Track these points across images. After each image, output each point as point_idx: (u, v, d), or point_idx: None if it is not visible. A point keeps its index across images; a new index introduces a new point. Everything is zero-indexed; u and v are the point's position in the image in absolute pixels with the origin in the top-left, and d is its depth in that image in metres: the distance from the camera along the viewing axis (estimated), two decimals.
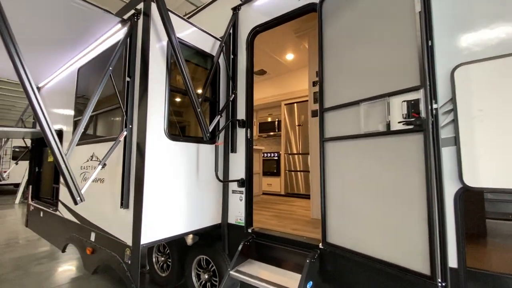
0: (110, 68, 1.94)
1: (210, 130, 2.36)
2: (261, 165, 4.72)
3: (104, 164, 1.92)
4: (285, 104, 5.40)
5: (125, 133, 2.03)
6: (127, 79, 2.11)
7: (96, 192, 2.42)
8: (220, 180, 2.30)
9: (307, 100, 5.03)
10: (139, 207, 1.92)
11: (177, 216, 2.18)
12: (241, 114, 2.61)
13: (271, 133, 5.92)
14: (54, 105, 3.60)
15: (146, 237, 1.93)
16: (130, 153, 2.05)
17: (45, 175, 3.94)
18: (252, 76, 2.66)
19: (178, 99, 2.49)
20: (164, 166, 2.10)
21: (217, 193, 2.61)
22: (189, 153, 2.33)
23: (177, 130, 2.37)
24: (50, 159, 3.77)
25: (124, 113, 2.07)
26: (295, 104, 5.21)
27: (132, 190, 2.00)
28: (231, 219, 2.57)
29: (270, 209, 3.63)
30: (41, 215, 3.60)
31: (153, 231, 1.98)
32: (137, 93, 2.08)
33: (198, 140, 2.43)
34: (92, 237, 2.40)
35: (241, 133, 2.58)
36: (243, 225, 2.47)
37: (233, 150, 2.61)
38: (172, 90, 2.27)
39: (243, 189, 2.51)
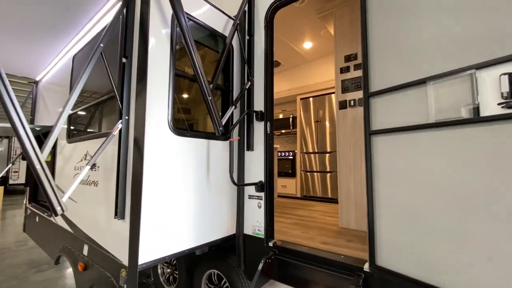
0: (101, 45, 1.56)
1: (223, 123, 1.96)
2: (276, 165, 4.29)
3: (94, 165, 1.55)
4: (301, 99, 4.95)
5: (120, 125, 1.65)
6: (123, 60, 1.73)
7: (89, 197, 2.05)
8: (235, 184, 1.89)
9: (326, 94, 4.59)
10: (136, 218, 1.53)
11: (184, 227, 1.79)
12: (259, 105, 2.19)
13: (285, 131, 5.49)
14: (51, 99, 3.28)
15: (146, 256, 1.54)
16: (126, 151, 1.67)
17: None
18: (272, 60, 2.24)
19: (185, 87, 2.09)
20: (168, 167, 1.71)
21: (231, 199, 2.20)
22: (198, 151, 1.94)
23: (184, 123, 1.98)
24: (48, 158, 3.46)
25: (119, 101, 1.69)
26: (311, 98, 4.76)
27: (129, 197, 1.62)
28: (248, 230, 2.16)
29: (289, 215, 3.21)
30: (37, 219, 3.28)
31: (154, 247, 1.59)
32: (134, 77, 1.69)
33: (208, 135, 2.03)
34: (85, 250, 2.04)
35: (259, 127, 2.17)
36: (263, 237, 2.06)
37: (250, 147, 2.20)
38: (178, 75, 1.88)
39: (262, 194, 2.10)
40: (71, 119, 2.61)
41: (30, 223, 3.56)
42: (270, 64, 2.22)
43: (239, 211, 2.20)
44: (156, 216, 1.61)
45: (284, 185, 5.06)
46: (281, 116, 5.59)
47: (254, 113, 2.18)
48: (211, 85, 1.90)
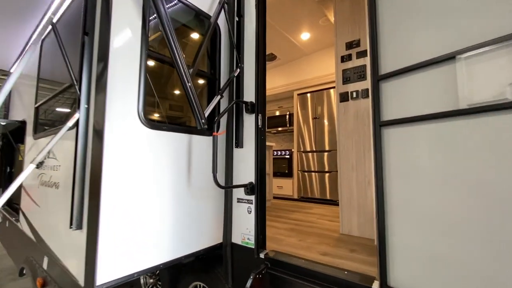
0: (52, 17, 1.28)
1: (207, 115, 1.68)
2: (271, 165, 4.03)
3: (40, 163, 1.26)
4: (299, 95, 4.68)
5: (77, 116, 1.36)
6: (85, 38, 1.44)
7: (50, 200, 1.76)
8: (219, 186, 1.61)
9: (325, 89, 4.32)
10: (94, 228, 1.25)
11: (158, 238, 1.50)
12: (249, 96, 1.91)
13: (282, 129, 5.21)
14: (21, 92, 2.98)
15: (106, 274, 1.25)
16: (84, 146, 1.38)
17: (17, 176, 3.32)
18: (264, 44, 1.96)
19: (164, 72, 1.81)
20: (137, 166, 1.42)
21: (217, 203, 1.92)
22: (177, 148, 1.65)
23: (160, 115, 1.70)
24: (20, 157, 3.15)
25: (76, 87, 1.40)
26: (309, 94, 4.49)
27: (88, 201, 1.33)
28: (236, 238, 1.88)
29: (285, 219, 2.93)
30: (7, 224, 2.97)
31: (119, 263, 1.30)
32: (96, 57, 1.40)
33: (190, 129, 1.75)
34: (45, 263, 1.74)
35: (249, 121, 1.89)
36: (253, 247, 1.78)
37: (239, 144, 1.92)
38: (151, 57, 1.59)
39: (252, 197, 1.82)
40: (38, 113, 2.31)
41: (2, 227, 3.25)
42: (262, 49, 1.95)
43: (227, 217, 1.92)
44: (121, 225, 1.32)
45: (280, 186, 4.78)
46: (277, 113, 5.32)
47: (244, 104, 1.90)
48: (191, 70, 1.61)
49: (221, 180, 1.94)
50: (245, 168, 1.88)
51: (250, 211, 1.82)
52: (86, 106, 1.38)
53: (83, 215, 1.34)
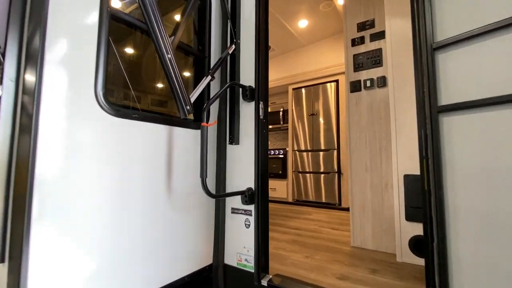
0: None
1: (193, 100, 1.27)
2: None
3: None
4: (294, 89, 4.33)
5: None
6: None
7: None
8: (209, 194, 1.21)
9: (322, 83, 3.99)
10: (20, 259, 0.81)
11: (123, 265, 1.08)
12: (247, 79, 1.52)
13: (275, 126, 4.84)
14: None
15: None
16: (10, 142, 0.93)
17: None
18: (266, 16, 1.58)
19: (133, 41, 1.38)
20: (93, 169, 1.00)
21: (206, 214, 1.51)
22: (153, 144, 1.23)
23: (131, 99, 1.27)
24: None
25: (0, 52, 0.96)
26: (305, 88, 4.15)
27: (10, 222, 0.89)
28: (230, 259, 1.49)
29: (283, 227, 2.56)
30: None
31: None
32: (29, 9, 0.96)
33: (171, 120, 1.33)
34: None
35: (247, 110, 1.50)
36: (252, 270, 1.39)
37: (234, 139, 1.52)
38: (117, 19, 1.17)
39: (251, 207, 1.43)
40: None
41: None
42: (264, 21, 1.56)
43: (218, 232, 1.52)
44: (65, 252, 0.89)
45: (274, 188, 4.41)
46: (269, 109, 4.94)
47: (241, 89, 1.50)
48: (172, 38, 1.20)
49: (211, 186, 1.53)
50: (242, 170, 1.49)
51: (249, 225, 1.43)
52: (12, 80, 0.93)
53: (6, 241, 0.90)
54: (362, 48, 2.05)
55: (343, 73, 3.79)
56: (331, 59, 3.95)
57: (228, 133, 1.56)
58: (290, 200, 4.17)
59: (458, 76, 0.87)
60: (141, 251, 1.16)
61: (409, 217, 1.65)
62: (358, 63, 2.05)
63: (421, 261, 1.61)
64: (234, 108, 1.52)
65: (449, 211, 0.88)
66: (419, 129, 1.01)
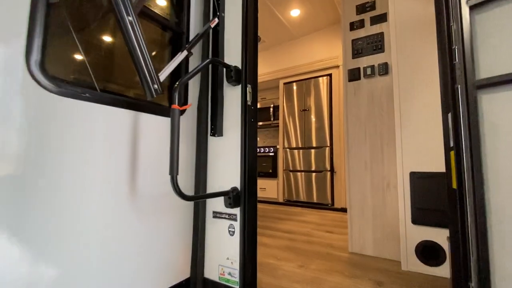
0: None
1: (163, 78, 1.02)
2: None
3: None
4: (285, 84, 4.12)
5: None
6: None
7: None
8: (183, 196, 0.96)
9: (314, 77, 3.80)
10: None
11: (76, 278, 0.82)
12: (232, 58, 1.28)
13: (265, 123, 4.62)
14: None
15: None
16: None
17: None
18: None
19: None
20: (24, 162, 0.73)
21: (182, 219, 1.27)
22: (113, 133, 0.97)
23: (84, 73, 1.00)
24: None
25: None
26: (296, 83, 3.95)
27: None
28: (211, 272, 1.25)
29: (274, 230, 2.34)
30: None
31: None
32: None
33: (137, 104, 1.07)
34: None
35: (232, 95, 1.26)
36: (237, 286, 1.16)
37: (216, 130, 1.28)
38: None
39: (236, 210, 1.19)
40: None
41: None
42: None
43: (197, 240, 1.27)
44: None
45: (263, 188, 4.19)
46: (259, 105, 4.72)
47: (225, 70, 1.26)
48: None
49: (189, 185, 1.29)
50: (226, 167, 1.25)
51: (233, 232, 1.20)
52: None
53: None
54: (361, 33, 1.86)
55: (336, 66, 3.61)
56: (324, 52, 3.77)
57: (210, 122, 1.31)
58: (280, 200, 3.96)
59: (503, 43, 0.67)
60: (97, 267, 0.90)
61: (416, 220, 1.46)
62: (357, 49, 1.85)
63: (429, 270, 1.42)
64: (216, 92, 1.28)
65: (492, 218, 0.67)
66: (445, 112, 0.81)
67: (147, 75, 0.95)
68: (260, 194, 4.22)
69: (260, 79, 4.37)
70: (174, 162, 0.91)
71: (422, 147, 1.46)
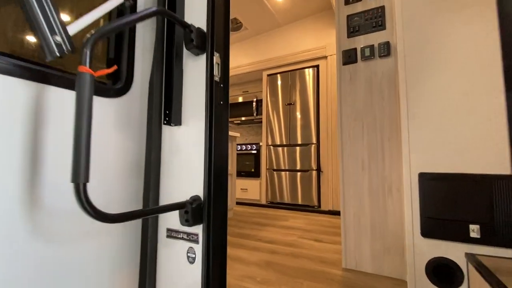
0: None
1: (75, 30, 0.65)
2: (235, 162, 3.08)
3: None
4: (269, 76, 3.80)
5: None
6: None
7: None
8: (98, 216, 0.60)
9: (301, 68, 3.51)
10: None
11: None
12: (195, 16, 0.93)
13: (247, 118, 4.28)
14: None
15: None
16: None
17: None
18: None
19: None
20: None
21: (128, 240, 0.90)
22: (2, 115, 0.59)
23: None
24: None
25: None
26: (280, 75, 3.64)
27: None
28: None
29: (254, 240, 2.01)
30: None
31: None
32: None
33: (39, 72, 0.69)
34: None
35: (195, 69, 0.91)
36: None
37: (171, 117, 0.92)
38: None
39: (198, 228, 0.85)
40: None
41: None
42: None
43: (145, 268, 0.92)
44: None
45: (245, 189, 3.86)
46: (240, 99, 4.36)
47: (184, 32, 0.91)
48: None
49: (134, 194, 0.92)
50: (184, 168, 0.90)
51: (193, 259, 0.85)
52: None
53: None
54: (358, 7, 1.56)
55: (324, 57, 3.34)
56: (311, 42, 3.48)
57: (164, 106, 0.96)
58: (263, 202, 3.64)
59: None
60: None
61: (426, 232, 1.19)
62: (354, 26, 1.56)
63: None
64: (172, 64, 0.93)
65: None
66: (509, 90, 0.51)
67: (42, 20, 0.58)
68: (241, 196, 3.89)
69: (242, 70, 4.02)
70: (80, 163, 0.55)
71: (436, 142, 1.19)
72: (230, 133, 2.80)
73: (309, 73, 3.43)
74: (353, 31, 1.56)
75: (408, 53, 1.26)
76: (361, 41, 1.54)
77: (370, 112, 1.49)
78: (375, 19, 1.50)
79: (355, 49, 1.54)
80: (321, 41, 3.40)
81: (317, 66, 3.43)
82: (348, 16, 1.59)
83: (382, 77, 1.47)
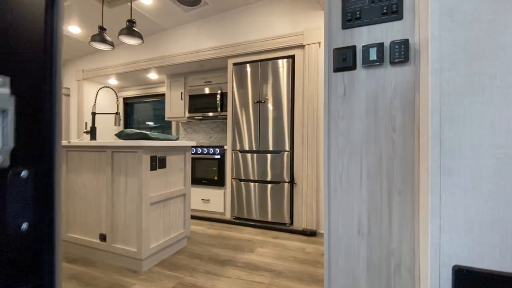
0: None
1: None
2: (192, 168, 2.46)
3: None
4: (235, 65, 3.14)
5: None
6: None
7: None
8: None
9: (271, 59, 2.91)
10: None
11: None
12: None
13: (212, 114, 3.62)
14: None
15: None
16: None
17: None
18: None
19: None
20: None
21: None
22: None
23: None
24: None
25: None
26: (249, 65, 3.01)
27: None
28: None
29: (222, 280, 1.49)
30: None
31: None
32: None
33: None
34: None
35: None
36: None
37: None
38: None
39: None
40: None
41: None
42: None
43: None
44: None
45: (207, 199, 3.29)
46: (207, 90, 3.66)
47: None
48: None
49: None
50: None
51: None
52: None
53: None
54: None
55: (301, 46, 2.76)
56: (286, 26, 2.87)
57: None
58: (228, 217, 3.12)
59: None
60: None
61: None
62: (352, 11, 0.99)
63: None
64: None
65: None
66: None
67: None
68: (202, 207, 3.32)
69: (202, 55, 3.30)
70: None
71: (487, 219, 0.71)
72: (184, 142, 2.17)
73: (283, 65, 2.85)
74: (351, 18, 1.00)
75: (449, 65, 0.74)
76: (363, 36, 0.99)
77: (374, 147, 0.97)
78: (387, 2, 0.95)
79: (354, 47, 0.99)
80: (298, 25, 2.81)
81: (292, 57, 2.86)
82: None
83: (394, 95, 0.95)
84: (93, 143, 1.98)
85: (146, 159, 1.86)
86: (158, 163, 1.97)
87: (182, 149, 2.25)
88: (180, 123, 4.27)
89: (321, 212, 2.71)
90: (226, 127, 3.91)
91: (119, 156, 1.93)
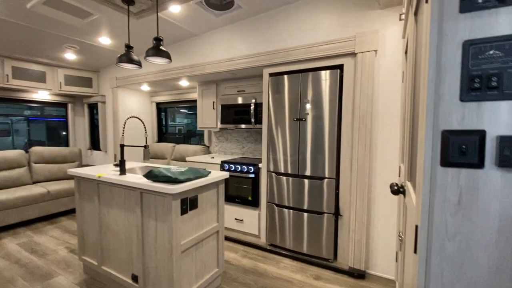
0: None
1: None
2: (225, 185, 2.27)
3: None
4: (271, 75, 2.79)
5: None
6: None
7: None
8: None
9: (317, 69, 2.50)
10: None
11: None
12: None
13: (245, 126, 3.35)
14: None
15: None
16: None
17: None
18: None
19: None
20: None
21: None
22: None
23: None
24: None
25: None
26: (286, 76, 2.63)
27: None
28: None
29: None
30: None
31: None
32: None
33: None
34: None
35: None
36: None
37: None
38: None
39: None
40: None
41: None
42: None
43: None
44: None
45: (240, 219, 3.10)
46: (240, 100, 3.37)
47: None
48: None
49: None
50: None
51: None
52: None
53: None
54: None
55: (352, 54, 2.31)
56: (333, 30, 2.42)
57: None
58: (263, 240, 2.91)
59: None
60: None
61: None
62: (481, 75, 0.61)
63: None
64: None
65: None
66: None
67: None
68: (235, 226, 3.16)
69: (235, 64, 2.99)
70: None
71: None
72: (218, 174, 1.94)
73: (325, 77, 2.42)
74: (479, 86, 0.61)
75: None
76: (500, 116, 0.60)
77: None
78: None
79: (482, 133, 0.61)
80: (349, 29, 2.34)
81: (341, 67, 2.42)
82: None
83: None
84: (121, 181, 1.85)
85: (176, 205, 1.67)
86: (189, 205, 1.78)
87: (215, 184, 2.03)
88: (212, 132, 4.09)
89: (371, 250, 2.35)
90: (259, 137, 3.63)
91: (148, 198, 1.77)
